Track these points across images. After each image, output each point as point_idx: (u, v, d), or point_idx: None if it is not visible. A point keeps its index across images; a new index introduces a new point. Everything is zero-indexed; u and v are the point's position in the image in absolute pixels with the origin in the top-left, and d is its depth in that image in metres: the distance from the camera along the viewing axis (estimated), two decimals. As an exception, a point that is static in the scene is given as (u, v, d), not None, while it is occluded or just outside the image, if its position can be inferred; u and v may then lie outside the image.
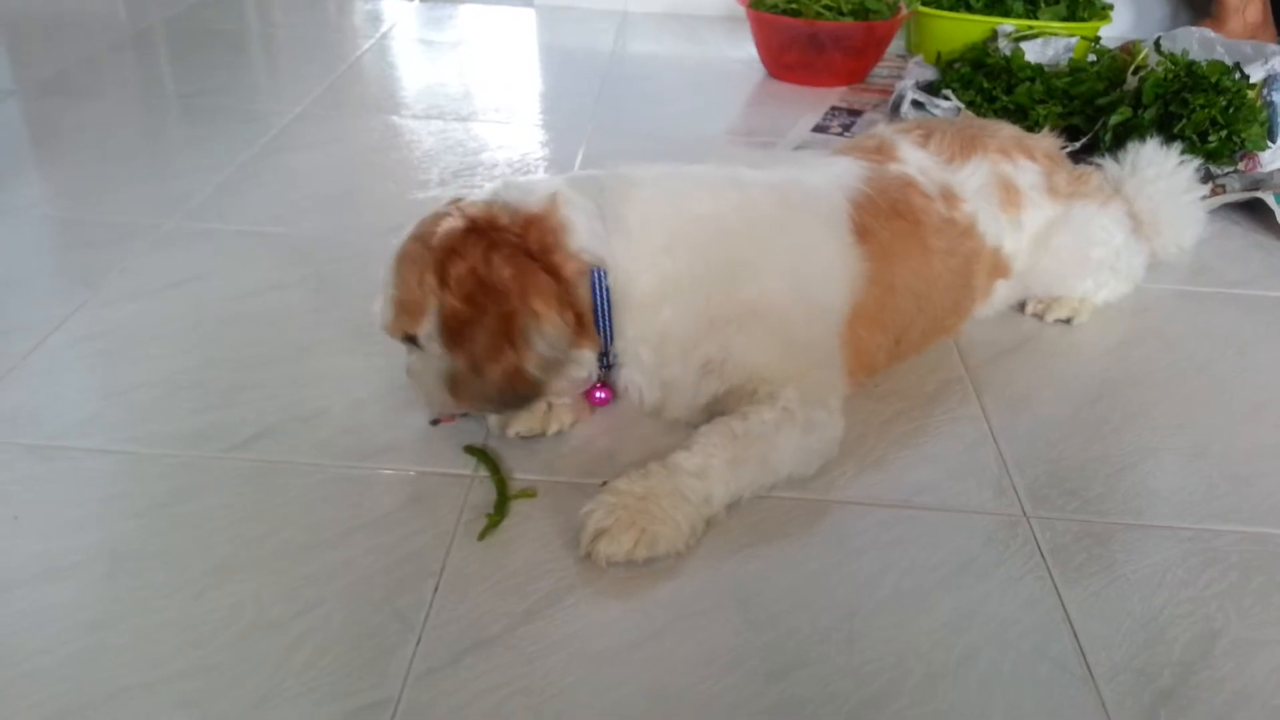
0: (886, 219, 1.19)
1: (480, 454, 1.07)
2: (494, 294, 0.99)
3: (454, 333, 1.01)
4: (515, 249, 1.02)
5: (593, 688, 0.83)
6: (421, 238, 1.04)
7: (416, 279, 1.02)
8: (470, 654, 0.85)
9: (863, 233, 1.16)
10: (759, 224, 1.12)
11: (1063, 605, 0.93)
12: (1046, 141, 1.43)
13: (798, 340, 1.10)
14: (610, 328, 1.07)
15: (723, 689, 0.83)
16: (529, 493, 1.03)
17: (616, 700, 0.82)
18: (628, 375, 1.12)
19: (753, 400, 1.05)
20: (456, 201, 1.08)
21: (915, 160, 1.30)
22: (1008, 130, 1.42)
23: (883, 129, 1.38)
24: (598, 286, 1.05)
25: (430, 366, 1.05)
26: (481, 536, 0.97)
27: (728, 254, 1.09)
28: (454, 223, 1.03)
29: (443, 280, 1.01)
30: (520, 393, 1.03)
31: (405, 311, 1.04)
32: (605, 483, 0.99)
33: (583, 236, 1.05)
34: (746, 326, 1.07)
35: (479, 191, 1.10)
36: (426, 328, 1.03)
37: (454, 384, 1.03)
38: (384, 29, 2.71)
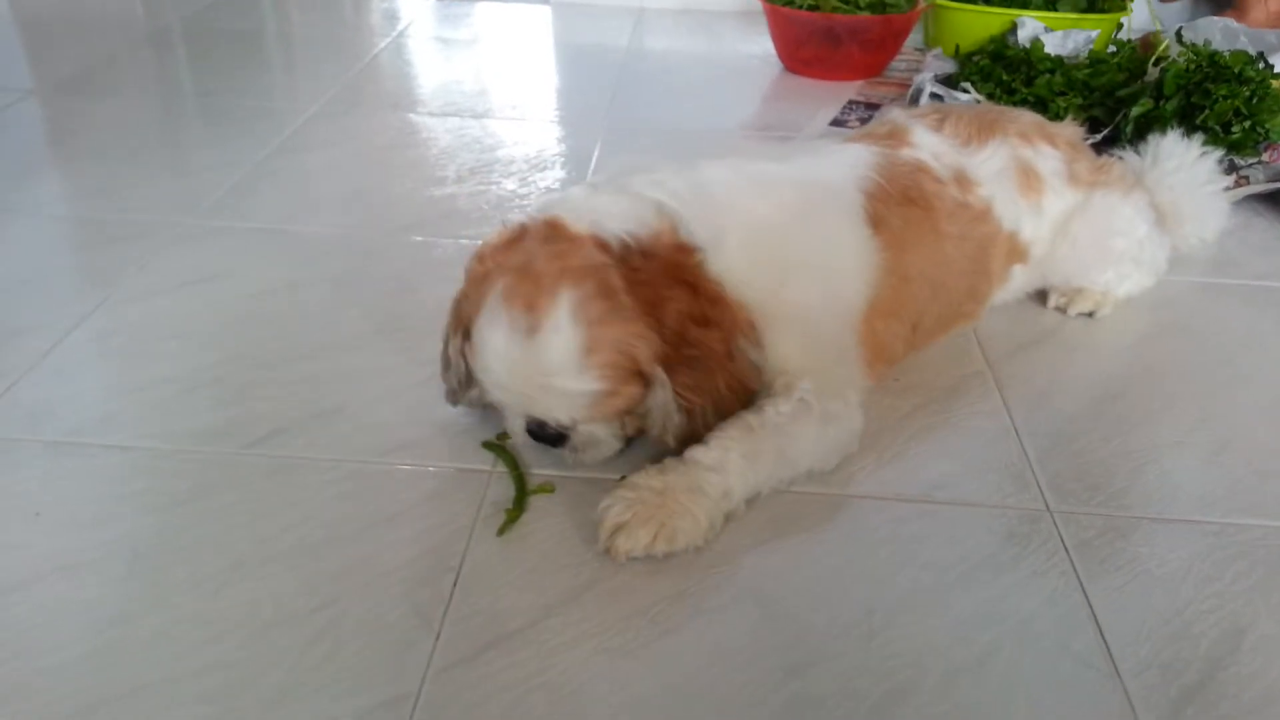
0: (898, 205, 1.18)
1: (498, 449, 1.07)
2: (714, 332, 0.97)
3: (696, 386, 0.97)
4: (700, 279, 0.98)
5: (611, 683, 0.82)
6: (600, 318, 0.92)
7: (626, 362, 0.94)
8: (489, 649, 0.85)
9: (877, 222, 1.15)
10: (797, 224, 1.10)
11: (1087, 600, 0.92)
12: (1069, 129, 1.42)
13: (819, 334, 1.09)
14: None
15: (741, 684, 0.82)
16: (547, 488, 1.03)
17: (635, 696, 0.81)
18: None
19: (769, 393, 1.04)
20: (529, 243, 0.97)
21: (929, 144, 1.28)
22: (1028, 116, 1.40)
23: (897, 114, 1.36)
24: None
25: (660, 418, 0.99)
26: (500, 532, 0.97)
27: (779, 255, 1.07)
28: (616, 282, 0.93)
29: (665, 338, 0.94)
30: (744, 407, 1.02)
31: (617, 396, 0.95)
32: (623, 477, 0.98)
33: (703, 240, 1.01)
34: (783, 328, 1.05)
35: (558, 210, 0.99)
36: (658, 396, 0.97)
37: (693, 428, 0.99)
38: (401, 27, 2.71)
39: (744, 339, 1.00)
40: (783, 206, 1.10)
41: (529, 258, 0.95)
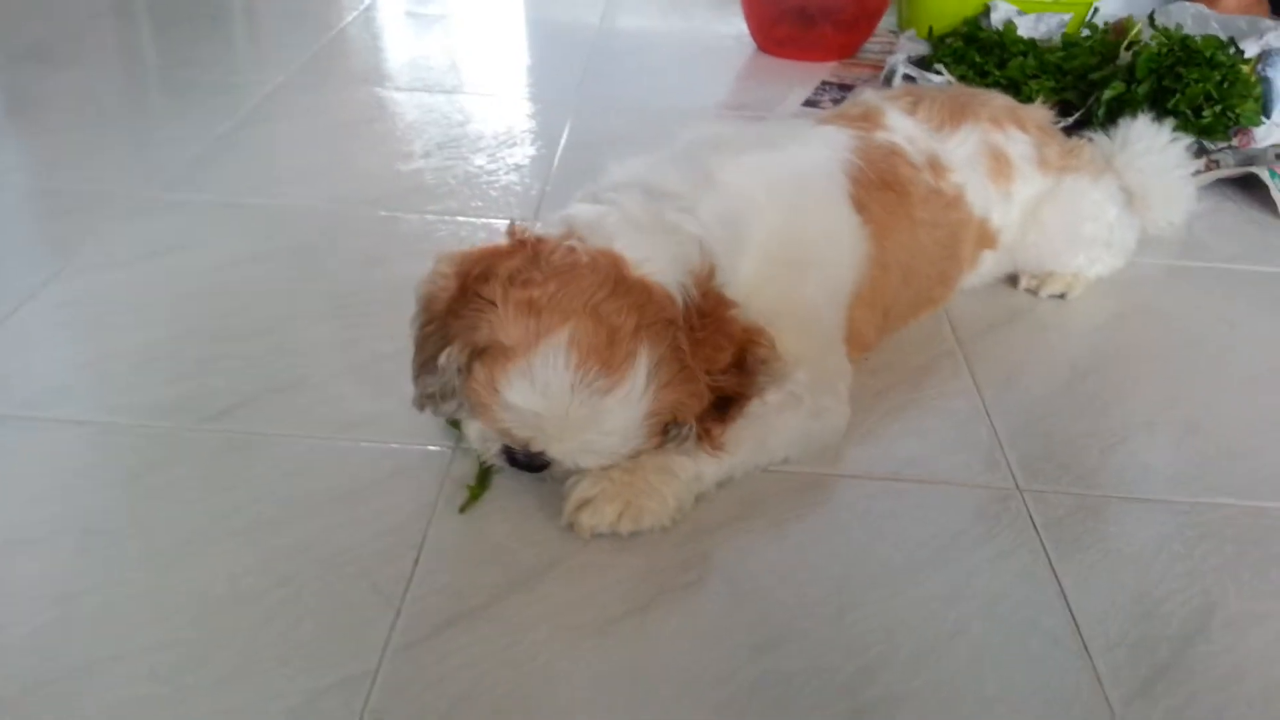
0: (876, 191, 1.17)
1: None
2: (744, 377, 0.95)
3: (716, 427, 0.95)
4: (738, 328, 0.96)
5: (575, 661, 0.81)
6: (668, 382, 0.89)
7: (672, 417, 0.92)
8: (450, 627, 0.83)
9: (861, 208, 1.14)
10: (801, 222, 1.09)
11: (1056, 579, 0.91)
12: (1039, 113, 1.41)
13: (816, 325, 1.08)
14: None
15: (708, 662, 0.81)
16: (512, 465, 1.01)
17: (600, 674, 0.80)
18: None
19: None
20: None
21: (903, 128, 1.27)
22: (999, 100, 1.39)
23: (870, 95, 1.35)
24: None
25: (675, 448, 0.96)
26: (463, 509, 0.95)
27: (789, 256, 1.06)
28: (684, 343, 0.91)
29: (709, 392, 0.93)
30: None
31: (649, 442, 0.93)
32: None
33: (726, 272, 0.99)
34: (787, 323, 1.02)
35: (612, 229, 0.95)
36: (685, 440, 0.94)
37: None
38: (368, 0, 2.67)
39: (765, 376, 0.97)
40: (789, 206, 1.09)
41: (597, 302, 0.88)
